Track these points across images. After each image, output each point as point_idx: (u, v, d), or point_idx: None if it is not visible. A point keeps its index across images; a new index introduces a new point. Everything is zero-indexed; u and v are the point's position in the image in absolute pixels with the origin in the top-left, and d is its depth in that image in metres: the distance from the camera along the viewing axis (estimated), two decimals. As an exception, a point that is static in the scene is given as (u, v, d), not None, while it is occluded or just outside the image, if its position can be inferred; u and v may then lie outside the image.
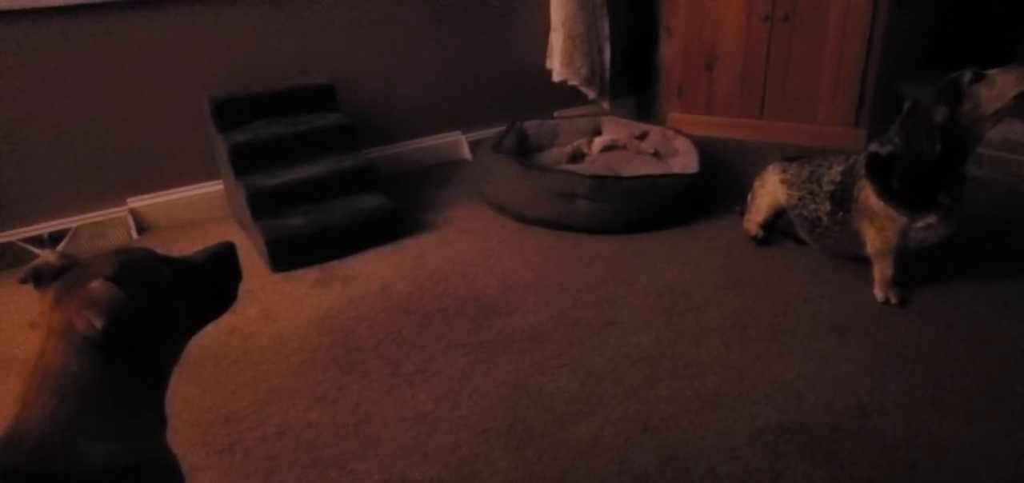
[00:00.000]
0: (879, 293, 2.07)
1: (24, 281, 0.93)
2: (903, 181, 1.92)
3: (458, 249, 2.44)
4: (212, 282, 1.05)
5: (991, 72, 1.83)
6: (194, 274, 1.01)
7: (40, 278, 0.91)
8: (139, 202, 2.63)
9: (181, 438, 1.59)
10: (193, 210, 2.71)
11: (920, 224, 1.95)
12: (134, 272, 0.90)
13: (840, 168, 2.13)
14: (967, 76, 1.84)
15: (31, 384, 0.85)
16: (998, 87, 1.81)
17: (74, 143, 2.47)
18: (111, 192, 2.58)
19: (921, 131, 1.85)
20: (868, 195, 2.01)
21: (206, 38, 2.60)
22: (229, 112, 2.53)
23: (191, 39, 2.57)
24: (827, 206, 2.14)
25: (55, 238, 2.49)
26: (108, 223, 2.57)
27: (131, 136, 2.56)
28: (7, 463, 0.80)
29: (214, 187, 2.74)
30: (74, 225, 2.52)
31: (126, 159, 2.58)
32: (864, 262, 2.14)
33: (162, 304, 0.94)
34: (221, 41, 2.63)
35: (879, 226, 2.01)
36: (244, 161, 2.44)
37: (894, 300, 2.05)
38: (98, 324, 0.82)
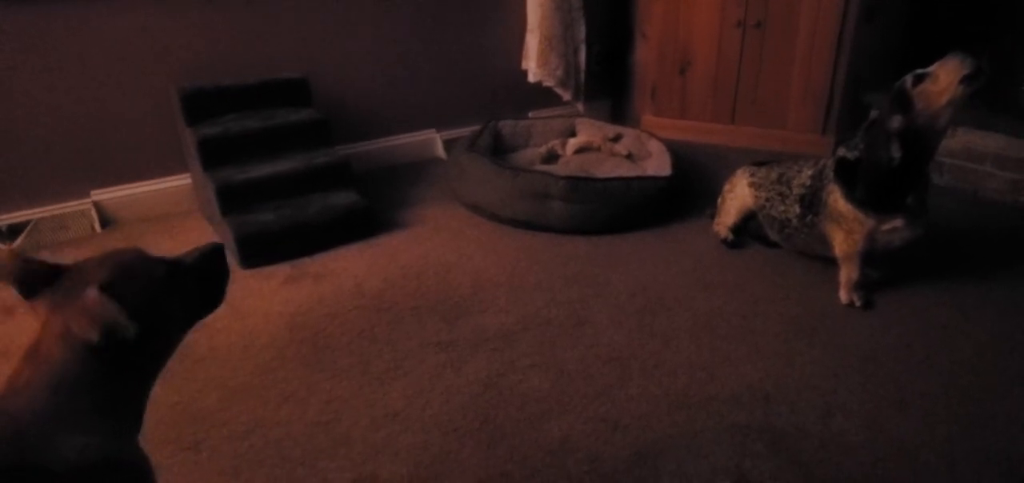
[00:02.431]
0: (844, 296, 2.12)
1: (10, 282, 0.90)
2: (868, 188, 1.96)
3: (431, 247, 2.44)
4: (202, 282, 1.05)
5: (932, 68, 1.84)
6: (186, 275, 1.01)
7: (29, 286, 0.89)
8: (103, 195, 2.56)
9: (147, 436, 1.55)
10: (159, 204, 2.66)
11: (886, 227, 1.99)
12: (128, 276, 0.91)
13: (810, 172, 2.17)
14: (909, 80, 1.87)
15: (21, 376, 0.85)
16: (942, 80, 1.83)
17: (36, 133, 2.40)
18: (74, 184, 2.51)
19: (880, 139, 1.89)
20: (837, 199, 2.05)
21: (176, 29, 2.55)
22: (198, 105, 2.48)
23: (160, 29, 2.52)
24: (797, 209, 2.18)
25: (14, 230, 2.42)
26: (70, 216, 2.51)
27: (96, 127, 2.50)
28: None
29: (182, 181, 2.69)
30: (35, 217, 2.45)
31: (90, 150, 2.51)
32: (831, 263, 2.19)
33: (155, 307, 0.94)
34: (191, 32, 2.58)
35: (847, 229, 2.05)
36: (213, 155, 2.40)
37: (858, 303, 2.09)
38: (93, 336, 0.84)
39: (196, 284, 1.04)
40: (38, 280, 0.89)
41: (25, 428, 0.82)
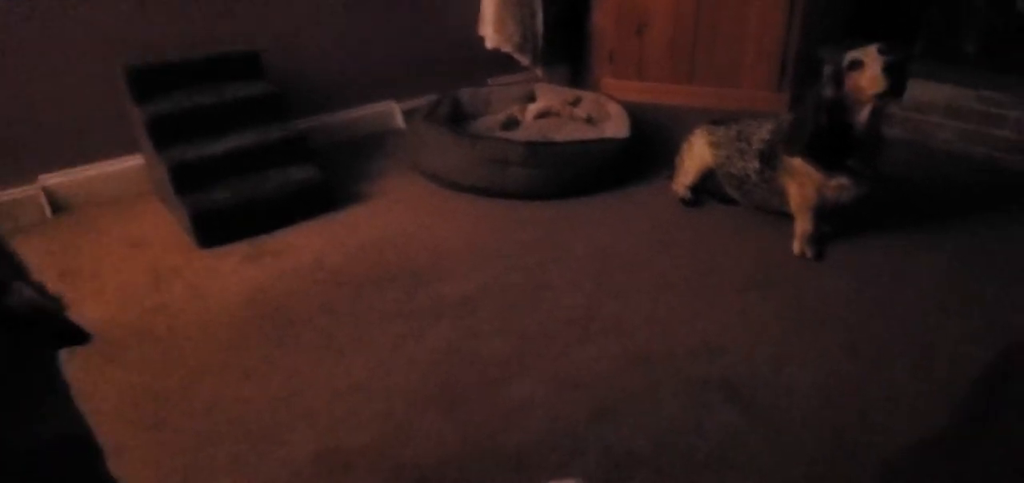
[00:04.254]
0: (797, 247, 2.18)
1: None
2: (805, 144, 2.02)
3: (391, 219, 2.43)
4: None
5: (867, 60, 1.91)
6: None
7: None
8: (52, 179, 2.50)
9: (107, 418, 1.55)
10: (112, 186, 2.60)
11: (833, 183, 2.05)
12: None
13: (769, 127, 2.22)
14: (846, 63, 1.95)
15: None
16: (865, 80, 1.91)
17: (-24, 118, 2.32)
18: (21, 169, 2.44)
19: (813, 105, 1.99)
20: None
21: (119, 3, 2.46)
22: (146, 82, 2.41)
23: (103, 4, 2.43)
24: (756, 164, 2.22)
25: (-40, 220, 2.35)
26: (19, 202, 2.44)
27: (41, 109, 2.42)
28: None
29: (134, 161, 2.63)
30: (-19, 205, 2.38)
31: (36, 134, 2.44)
32: (786, 219, 2.24)
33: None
34: (136, 6, 2.50)
35: (800, 182, 2.11)
36: (164, 133, 2.35)
37: (810, 255, 2.15)
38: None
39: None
40: None
41: None
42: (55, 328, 0.87)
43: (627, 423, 1.53)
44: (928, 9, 3.12)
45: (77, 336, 0.89)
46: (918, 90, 3.00)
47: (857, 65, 1.93)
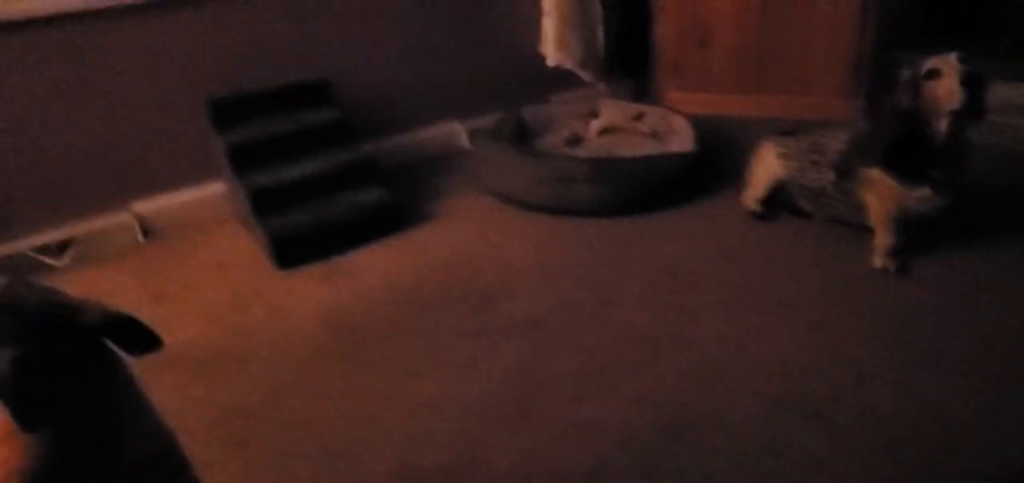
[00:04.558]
0: (878, 261, 2.09)
1: None
2: (884, 155, 1.94)
3: (458, 238, 2.47)
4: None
5: (946, 69, 1.82)
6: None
7: None
8: (143, 206, 2.66)
9: (196, 435, 1.63)
10: (197, 211, 2.74)
11: (915, 195, 1.97)
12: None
13: (844, 138, 2.15)
14: (923, 71, 1.87)
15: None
16: (941, 91, 1.83)
17: (76, 150, 2.49)
18: (115, 197, 2.61)
19: (889, 114, 1.92)
20: None
21: (201, 39, 2.61)
22: (226, 112, 2.55)
23: (187, 41, 2.59)
24: (831, 175, 2.16)
25: (62, 247, 2.53)
26: (114, 229, 2.60)
27: (132, 141, 2.59)
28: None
29: (217, 188, 2.77)
30: (80, 232, 2.55)
31: (128, 164, 2.60)
32: (863, 232, 2.16)
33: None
34: (216, 41, 2.64)
35: (878, 194, 2.04)
36: (243, 160, 2.47)
37: (892, 268, 2.06)
38: None
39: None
40: None
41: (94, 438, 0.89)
42: (130, 333, 0.92)
43: (702, 444, 1.50)
44: (1013, 5, 2.95)
45: (150, 340, 0.94)
46: (1002, 92, 2.83)
47: (935, 74, 1.85)
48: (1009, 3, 2.97)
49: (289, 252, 2.34)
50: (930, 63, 1.86)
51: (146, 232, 2.66)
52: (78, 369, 0.89)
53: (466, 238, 2.47)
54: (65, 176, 2.51)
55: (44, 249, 2.50)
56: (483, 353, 1.85)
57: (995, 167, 2.69)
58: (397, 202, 2.56)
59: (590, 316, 1.97)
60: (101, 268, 2.46)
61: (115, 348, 0.94)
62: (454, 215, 2.65)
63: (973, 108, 1.80)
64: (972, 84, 1.77)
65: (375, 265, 2.33)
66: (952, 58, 1.82)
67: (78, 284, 2.35)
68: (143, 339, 0.93)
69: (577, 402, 1.65)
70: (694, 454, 1.47)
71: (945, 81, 1.82)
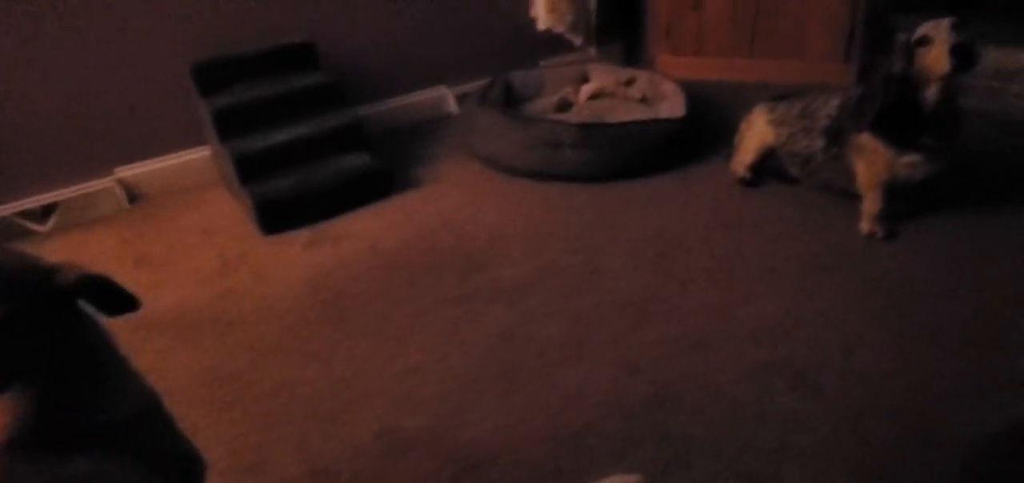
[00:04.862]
0: (866, 226, 2.09)
1: None
2: (875, 119, 1.93)
3: (446, 204, 2.45)
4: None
5: (936, 37, 1.81)
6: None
7: None
8: (127, 171, 2.62)
9: (182, 399, 1.62)
10: (182, 176, 2.71)
11: (905, 160, 1.96)
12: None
13: (835, 103, 2.13)
14: (915, 37, 1.86)
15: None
16: (930, 59, 1.82)
17: (58, 115, 2.45)
18: (98, 162, 2.57)
19: (880, 79, 1.90)
20: None
21: (186, 1, 2.56)
22: (210, 76, 2.50)
23: (171, 3, 2.53)
24: (821, 141, 2.14)
25: (46, 211, 2.50)
26: (98, 194, 2.57)
27: (115, 105, 2.54)
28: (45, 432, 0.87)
29: (202, 153, 2.73)
30: (64, 197, 2.52)
31: (112, 129, 2.56)
32: (852, 199, 2.15)
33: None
34: (201, 3, 2.59)
35: (868, 159, 2.02)
36: (228, 125, 2.43)
37: (880, 234, 2.06)
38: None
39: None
40: None
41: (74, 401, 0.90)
42: (106, 293, 0.92)
43: (686, 409, 1.51)
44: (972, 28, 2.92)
45: (127, 301, 0.94)
46: (998, 56, 2.81)
47: (926, 41, 1.83)
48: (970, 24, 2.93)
49: (274, 217, 2.31)
50: (922, 29, 1.84)
51: (131, 197, 2.63)
52: (56, 330, 0.90)
53: (453, 204, 2.45)
54: (49, 141, 2.46)
55: (28, 214, 2.47)
56: (468, 318, 1.84)
57: (987, 133, 2.68)
58: (384, 167, 2.53)
59: (577, 282, 1.96)
60: (85, 233, 2.44)
61: (93, 310, 0.93)
62: (441, 181, 2.63)
63: (962, 70, 1.78)
64: (961, 54, 1.75)
65: (361, 230, 2.31)
66: (944, 25, 1.80)
67: (62, 249, 2.33)
68: (119, 299, 0.94)
69: (562, 368, 1.65)
70: (678, 418, 1.48)
71: (934, 49, 1.80)
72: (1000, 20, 2.91)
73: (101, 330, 0.97)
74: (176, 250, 2.27)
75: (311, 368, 1.71)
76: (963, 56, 1.75)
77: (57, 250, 2.32)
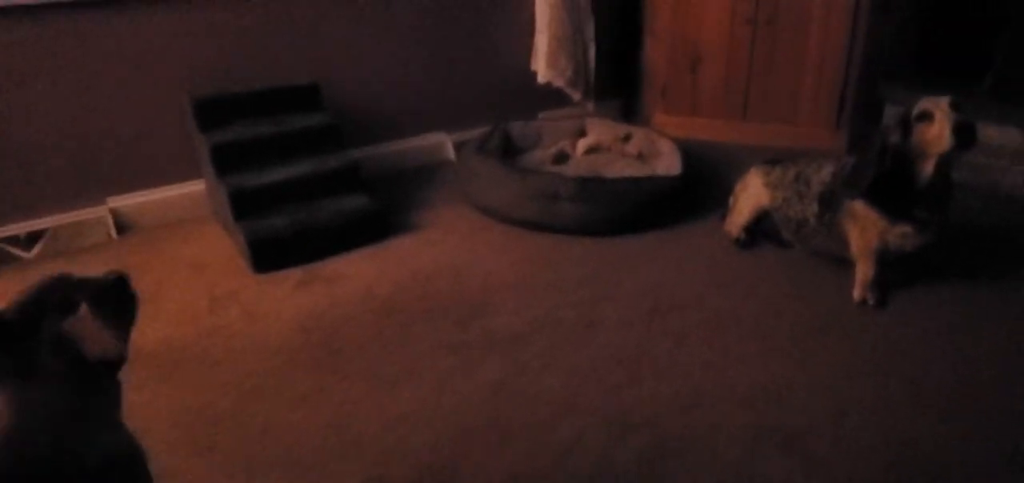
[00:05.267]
0: (858, 293, 2.10)
1: None
2: (869, 188, 1.96)
3: (442, 250, 2.44)
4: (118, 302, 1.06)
5: (937, 114, 1.84)
6: (109, 293, 1.03)
7: None
8: (119, 201, 2.60)
9: (161, 438, 1.58)
10: (175, 210, 2.69)
11: (897, 231, 1.98)
12: (100, 295, 0.96)
13: (830, 170, 2.16)
14: (915, 113, 1.89)
15: (30, 400, 0.87)
16: (931, 135, 1.85)
17: (52, 142, 2.44)
18: (90, 191, 2.55)
19: (877, 149, 1.93)
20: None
21: (187, 36, 2.57)
22: (211, 111, 2.51)
23: (171, 37, 2.55)
24: (815, 207, 2.17)
25: (33, 238, 2.46)
26: (87, 223, 2.54)
27: (110, 135, 2.53)
28: (16, 472, 0.83)
29: (196, 186, 2.72)
30: (52, 225, 2.49)
31: (105, 158, 2.55)
32: (844, 265, 2.17)
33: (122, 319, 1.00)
34: (202, 39, 2.61)
35: (861, 227, 2.05)
36: (226, 161, 2.43)
37: (871, 301, 2.07)
38: (95, 354, 0.91)
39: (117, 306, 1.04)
40: None
41: (53, 440, 0.85)
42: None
43: (679, 469, 1.48)
44: (998, 44, 3.01)
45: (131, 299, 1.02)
46: (986, 133, 2.88)
47: (926, 116, 1.86)
48: (994, 43, 3.03)
49: (267, 255, 2.29)
50: (922, 105, 1.88)
51: (121, 228, 2.60)
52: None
53: (449, 251, 2.44)
54: (41, 167, 2.44)
55: (13, 240, 2.43)
56: (462, 368, 1.82)
57: (976, 207, 2.73)
58: (380, 210, 2.53)
59: (572, 335, 1.95)
60: (71, 262, 2.40)
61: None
62: (438, 227, 2.62)
63: (963, 148, 1.81)
64: (963, 133, 1.79)
65: (355, 273, 2.30)
66: (944, 103, 1.84)
67: (47, 277, 2.28)
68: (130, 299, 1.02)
69: (556, 422, 1.62)
70: (673, 480, 1.45)
71: (936, 126, 1.84)
72: (988, 95, 2.99)
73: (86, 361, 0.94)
74: (164, 284, 2.24)
75: (298, 412, 1.67)
76: (966, 135, 1.79)
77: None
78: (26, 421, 0.85)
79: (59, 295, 0.92)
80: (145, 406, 1.68)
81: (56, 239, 2.50)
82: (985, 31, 3.13)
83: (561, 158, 2.99)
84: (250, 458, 1.54)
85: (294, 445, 1.57)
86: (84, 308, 0.91)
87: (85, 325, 0.91)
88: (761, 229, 2.43)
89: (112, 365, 0.98)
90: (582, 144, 3.08)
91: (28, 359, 0.87)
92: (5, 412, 0.85)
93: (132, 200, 2.62)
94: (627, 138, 3.10)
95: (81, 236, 2.53)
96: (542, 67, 3.31)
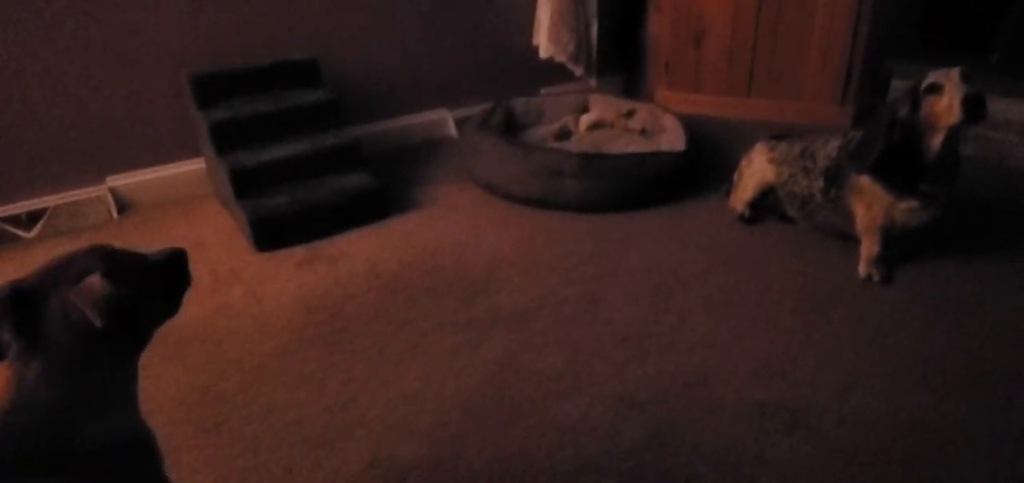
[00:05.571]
0: (863, 269, 2.09)
1: None
2: (875, 162, 1.93)
3: (445, 228, 2.43)
4: (170, 281, 1.06)
5: (947, 86, 1.82)
6: (158, 270, 1.02)
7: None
8: (119, 181, 2.58)
9: (167, 418, 1.58)
10: (175, 188, 2.67)
11: (903, 205, 1.97)
12: (119, 266, 0.94)
13: (836, 145, 2.14)
14: (924, 85, 1.87)
15: (26, 376, 0.86)
16: (941, 107, 1.83)
17: (51, 121, 2.41)
18: (90, 171, 2.53)
19: (885, 122, 1.90)
20: None
21: (184, 12, 2.54)
22: (209, 88, 2.48)
23: (168, 12, 2.51)
24: (821, 183, 2.15)
25: (33, 217, 2.45)
26: (87, 202, 2.53)
27: (110, 114, 2.51)
28: (10, 448, 0.81)
29: (196, 165, 2.70)
30: (52, 204, 2.47)
31: (105, 137, 2.53)
32: (849, 240, 2.16)
33: (141, 296, 0.97)
34: (200, 15, 2.57)
35: (867, 203, 2.03)
36: (225, 139, 2.40)
37: (877, 277, 2.06)
38: (98, 321, 0.87)
39: (165, 282, 1.05)
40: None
41: (51, 417, 0.85)
42: (185, 269, 1.09)
43: (686, 446, 1.48)
44: (1006, 19, 2.98)
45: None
46: (993, 106, 2.85)
47: (935, 89, 1.84)
48: (1001, 17, 2.99)
49: (269, 234, 2.28)
50: (932, 77, 1.85)
51: (122, 208, 2.58)
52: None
53: (452, 228, 2.43)
54: (41, 147, 2.43)
55: (13, 220, 2.42)
56: (467, 345, 1.81)
57: (983, 182, 2.71)
58: (382, 188, 2.51)
59: (576, 312, 1.94)
60: (72, 242, 2.39)
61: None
62: (440, 204, 2.61)
63: (973, 121, 1.79)
64: (973, 105, 1.76)
65: (357, 251, 2.29)
66: (954, 74, 1.82)
67: (46, 257, 2.27)
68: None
69: (561, 399, 1.62)
70: (677, 457, 1.46)
71: (945, 98, 1.81)
72: (996, 69, 2.96)
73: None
74: (167, 263, 2.22)
75: (303, 391, 1.67)
76: (975, 107, 1.76)
77: (40, 258, 2.26)
78: (24, 399, 0.84)
79: (107, 266, 0.91)
80: (150, 386, 1.68)
81: (56, 218, 2.48)
82: (992, 5, 3.09)
83: (564, 134, 2.97)
84: (255, 438, 1.54)
85: (299, 424, 1.57)
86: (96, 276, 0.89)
87: (93, 287, 0.89)
88: (766, 205, 2.41)
89: (147, 326, 1.01)
90: (585, 120, 3.06)
91: (33, 329, 0.86)
92: (4, 388, 0.84)
93: (132, 179, 2.60)
94: (630, 114, 3.07)
95: (82, 215, 2.52)
96: (544, 42, 3.28)
